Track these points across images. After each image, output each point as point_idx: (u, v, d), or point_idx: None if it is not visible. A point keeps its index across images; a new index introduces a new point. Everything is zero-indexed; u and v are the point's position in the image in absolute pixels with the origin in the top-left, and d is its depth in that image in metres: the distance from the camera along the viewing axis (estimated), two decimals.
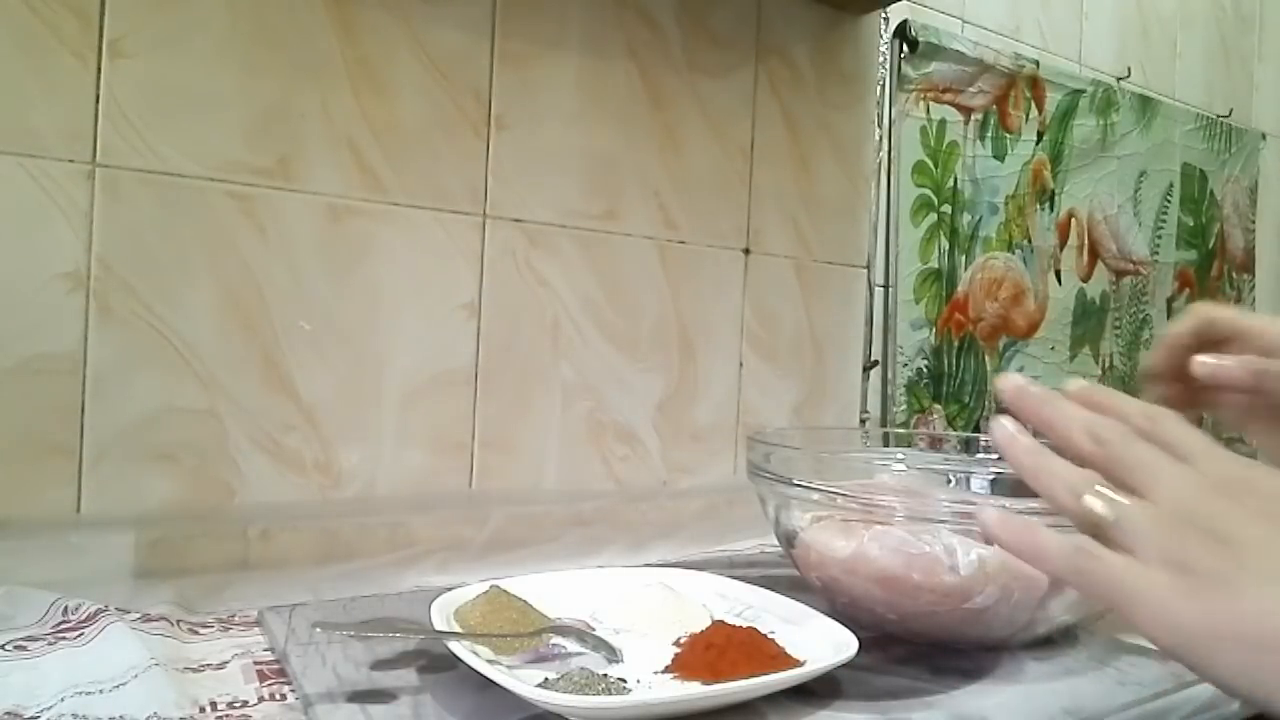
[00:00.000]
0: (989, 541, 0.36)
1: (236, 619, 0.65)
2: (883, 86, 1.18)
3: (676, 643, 0.58)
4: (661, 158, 0.99)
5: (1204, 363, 0.47)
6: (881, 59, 1.18)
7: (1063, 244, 1.41)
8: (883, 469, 0.71)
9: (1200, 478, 0.33)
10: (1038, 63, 1.35)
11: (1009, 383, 0.39)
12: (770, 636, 0.57)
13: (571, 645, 0.56)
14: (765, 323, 1.09)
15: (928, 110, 1.23)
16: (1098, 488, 0.34)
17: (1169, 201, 1.57)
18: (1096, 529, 0.34)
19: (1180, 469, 0.33)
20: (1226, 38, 1.70)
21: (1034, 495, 0.37)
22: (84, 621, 0.59)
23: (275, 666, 0.56)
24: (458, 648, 0.51)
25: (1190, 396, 0.49)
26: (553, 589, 0.64)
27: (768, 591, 0.65)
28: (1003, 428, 0.38)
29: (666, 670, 0.54)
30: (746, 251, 1.07)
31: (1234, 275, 1.70)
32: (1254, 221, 1.74)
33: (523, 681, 0.48)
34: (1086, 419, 0.37)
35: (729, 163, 1.05)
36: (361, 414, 0.82)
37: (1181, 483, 0.32)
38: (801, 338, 1.13)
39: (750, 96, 1.06)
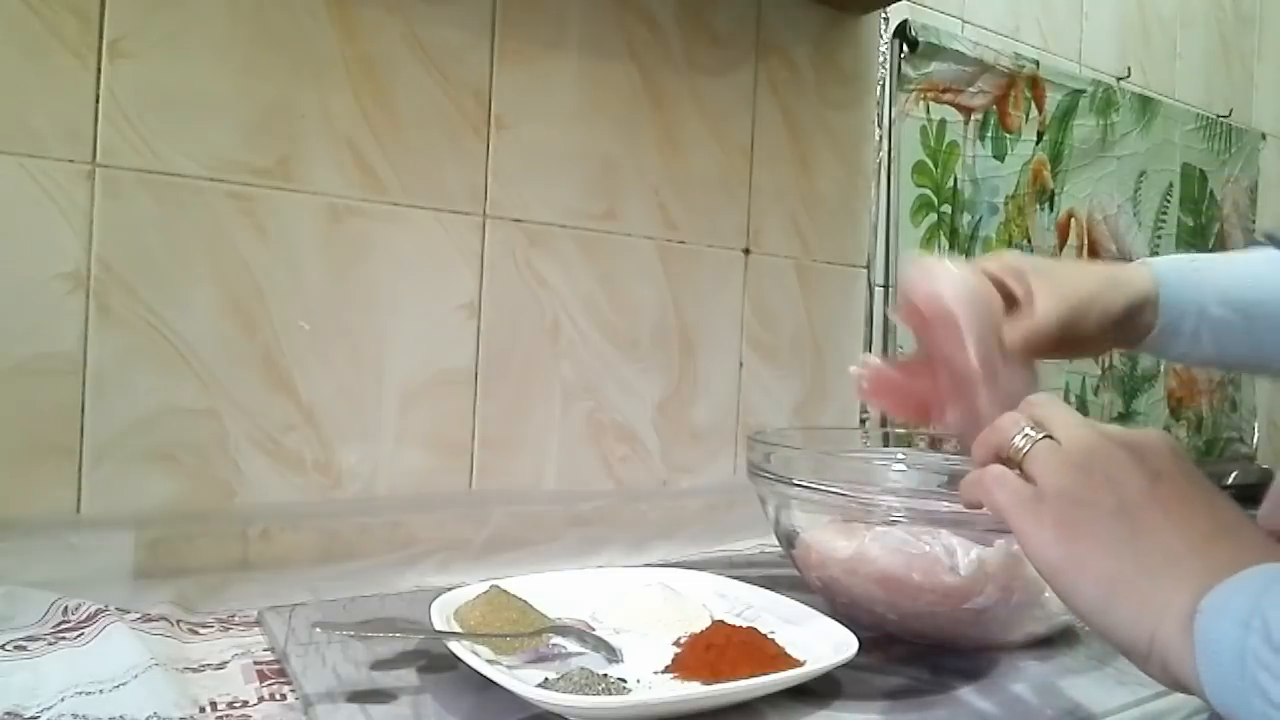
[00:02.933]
0: (969, 507, 0.44)
1: (236, 619, 0.65)
2: (883, 86, 1.18)
3: (676, 643, 0.58)
4: (661, 158, 0.99)
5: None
6: (881, 59, 1.18)
7: (1062, 244, 1.41)
8: (883, 469, 0.71)
9: (1098, 432, 0.41)
10: (1038, 63, 1.35)
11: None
12: (770, 636, 0.57)
13: (571, 645, 0.56)
14: (765, 323, 1.09)
15: (928, 110, 1.23)
16: (1025, 430, 0.42)
17: (1169, 201, 1.57)
18: (1015, 460, 0.42)
19: (1085, 421, 0.42)
20: (1226, 38, 1.70)
21: None
22: (84, 621, 0.59)
23: (275, 666, 0.56)
24: (458, 648, 0.51)
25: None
26: (553, 589, 0.65)
27: (768, 591, 0.65)
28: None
29: (666, 670, 0.54)
30: (746, 251, 1.07)
31: None
32: (1254, 221, 1.74)
33: (523, 681, 0.48)
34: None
35: (729, 163, 1.05)
36: (361, 414, 0.82)
37: (1085, 431, 0.41)
38: (801, 338, 1.13)
39: (750, 96, 1.06)
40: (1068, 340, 0.58)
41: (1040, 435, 0.41)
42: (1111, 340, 0.61)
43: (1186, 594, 0.35)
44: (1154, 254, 1.54)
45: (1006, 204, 1.33)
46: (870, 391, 0.63)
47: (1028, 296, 0.58)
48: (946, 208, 1.26)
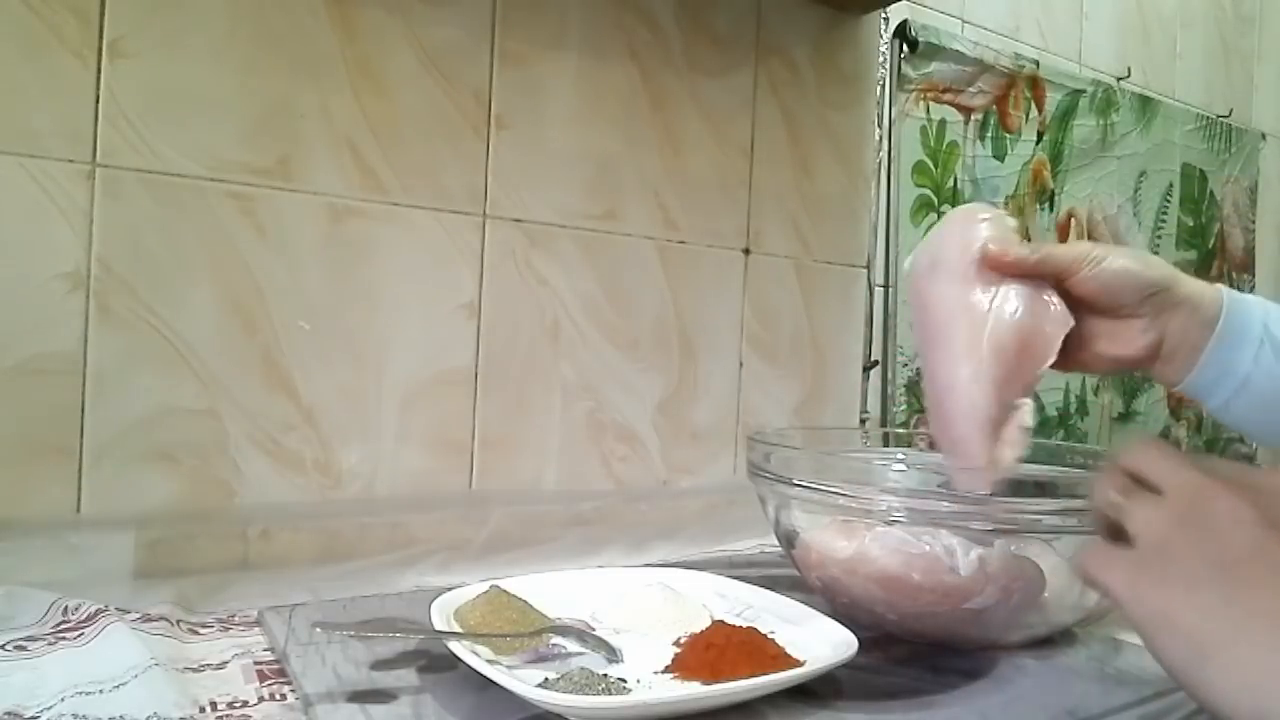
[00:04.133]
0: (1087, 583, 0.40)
1: (236, 619, 0.65)
2: (883, 86, 1.18)
3: (676, 643, 0.58)
4: (661, 158, 0.99)
5: (1001, 248, 0.57)
6: (881, 59, 1.18)
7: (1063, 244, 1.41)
8: (883, 469, 0.71)
9: (1205, 477, 0.37)
10: (1038, 63, 1.35)
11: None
12: (770, 636, 0.56)
13: (571, 645, 0.56)
14: (765, 323, 1.09)
15: (928, 110, 1.23)
16: (1121, 487, 0.39)
17: (1169, 201, 1.57)
18: (1116, 520, 0.39)
19: (1190, 465, 0.38)
20: (1226, 38, 1.70)
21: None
22: (84, 621, 0.59)
23: (275, 666, 0.56)
24: (458, 648, 0.51)
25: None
26: (553, 589, 0.64)
27: (768, 591, 0.65)
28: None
29: (666, 670, 0.54)
30: (746, 251, 1.07)
31: (1234, 275, 1.70)
32: (1254, 221, 1.74)
33: (523, 681, 0.48)
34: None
35: (729, 163, 1.05)
36: (361, 414, 0.82)
37: (1189, 478, 0.37)
38: (801, 338, 1.13)
39: (750, 97, 1.06)
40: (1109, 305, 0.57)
41: (1138, 490, 0.38)
42: (1152, 326, 0.58)
43: None
44: (1154, 254, 1.54)
45: (1006, 204, 1.33)
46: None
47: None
48: (946, 208, 1.26)
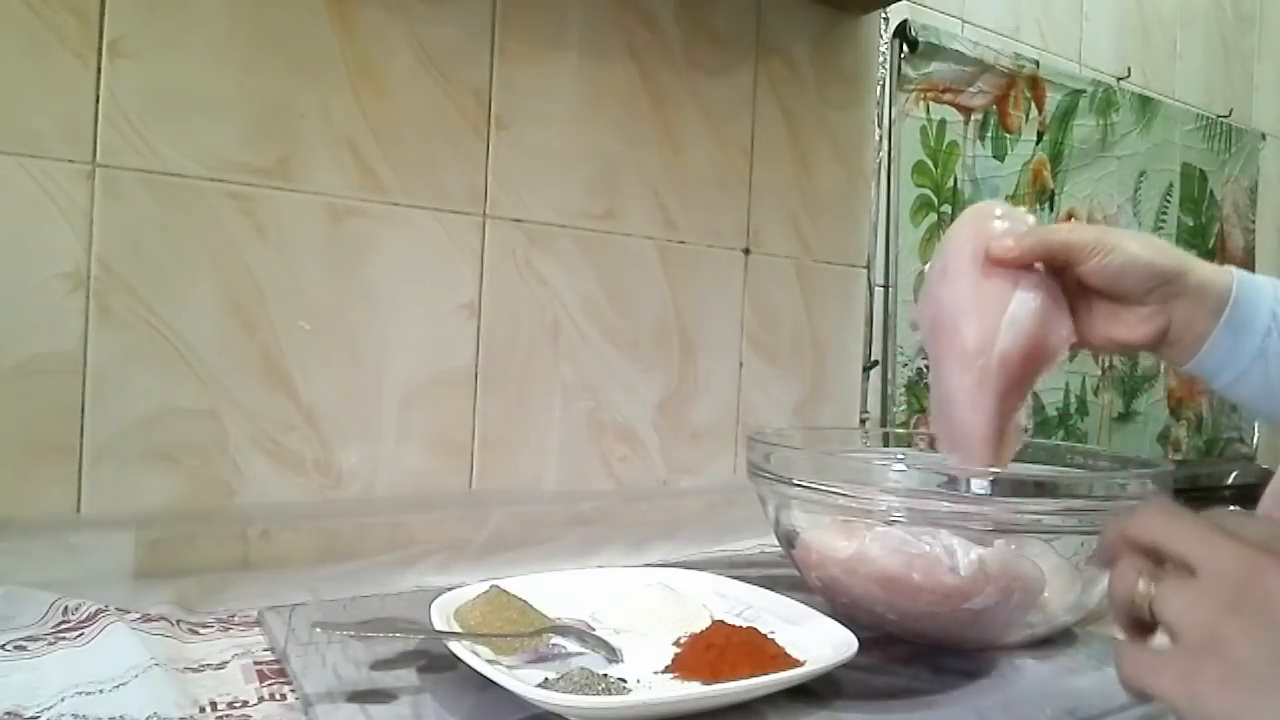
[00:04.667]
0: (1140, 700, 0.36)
1: (236, 619, 0.65)
2: (883, 86, 1.18)
3: (676, 643, 0.58)
4: (661, 157, 0.99)
5: (1003, 245, 0.57)
6: (881, 59, 1.18)
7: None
8: (883, 469, 0.71)
9: (1244, 549, 0.32)
10: (1038, 63, 1.35)
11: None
12: (770, 636, 0.57)
13: (571, 645, 0.56)
14: (765, 323, 1.09)
15: (928, 110, 1.23)
16: (1144, 573, 0.35)
17: (1169, 201, 1.57)
18: (1144, 611, 0.34)
19: (1224, 535, 0.33)
20: (1226, 38, 1.70)
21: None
22: (84, 621, 0.59)
23: (275, 666, 0.56)
24: (458, 648, 0.51)
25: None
26: (553, 589, 0.64)
27: (768, 591, 0.65)
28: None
29: (666, 670, 0.54)
30: (746, 251, 1.07)
31: None
32: (1254, 221, 1.74)
33: (523, 681, 0.48)
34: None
35: (729, 162, 1.05)
36: (361, 414, 0.82)
37: (1227, 552, 0.33)
38: (801, 338, 1.13)
39: (750, 96, 1.06)
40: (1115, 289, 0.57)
41: (1164, 573, 0.34)
42: (1161, 310, 0.57)
43: None
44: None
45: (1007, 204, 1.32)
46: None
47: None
48: (946, 208, 1.26)
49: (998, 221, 0.59)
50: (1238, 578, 0.31)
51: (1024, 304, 0.56)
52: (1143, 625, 0.35)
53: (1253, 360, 0.57)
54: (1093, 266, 0.56)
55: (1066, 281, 0.58)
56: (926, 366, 1.23)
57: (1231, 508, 0.36)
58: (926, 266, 0.63)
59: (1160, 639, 0.34)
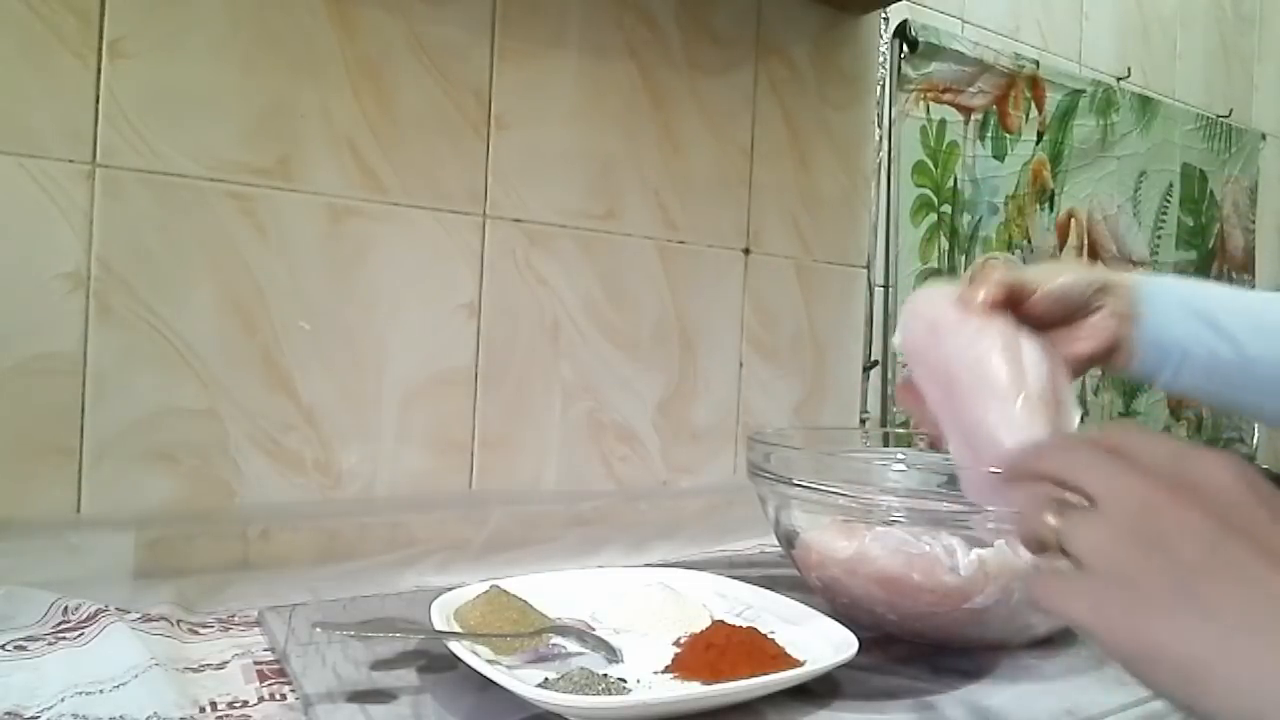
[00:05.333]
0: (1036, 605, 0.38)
1: (236, 619, 0.65)
2: (883, 86, 1.18)
3: (676, 643, 0.58)
4: (661, 157, 0.99)
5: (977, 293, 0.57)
6: (881, 59, 1.18)
7: (1062, 244, 1.41)
8: (883, 469, 0.71)
9: (1141, 481, 0.35)
10: (1038, 63, 1.35)
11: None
12: (770, 636, 0.57)
13: (571, 645, 0.56)
14: (765, 323, 1.09)
15: (928, 110, 1.23)
16: (1052, 504, 0.37)
17: (1169, 201, 1.57)
18: (1052, 546, 0.36)
19: (1122, 467, 0.36)
20: (1226, 38, 1.70)
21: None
22: (84, 621, 0.59)
23: (275, 666, 0.56)
24: (458, 648, 0.51)
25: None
26: (553, 589, 0.64)
27: (768, 591, 0.65)
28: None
29: (666, 670, 0.54)
30: (746, 251, 1.07)
31: (1233, 275, 1.70)
32: (1254, 221, 1.74)
33: (523, 681, 0.48)
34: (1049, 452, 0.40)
35: (729, 162, 1.05)
36: (361, 414, 0.82)
37: (1124, 486, 0.35)
38: (801, 338, 1.13)
39: (750, 96, 1.06)
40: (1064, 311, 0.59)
41: (1070, 506, 0.36)
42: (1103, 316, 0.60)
43: None
44: (1154, 254, 1.54)
45: (1006, 204, 1.33)
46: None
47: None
48: (946, 208, 1.26)
49: (942, 289, 0.59)
50: (1132, 512, 0.34)
51: (1029, 334, 0.57)
52: (1048, 549, 0.37)
53: (1184, 353, 0.60)
54: (1041, 292, 0.58)
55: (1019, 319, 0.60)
56: None
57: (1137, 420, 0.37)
58: (896, 340, 0.62)
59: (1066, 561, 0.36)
